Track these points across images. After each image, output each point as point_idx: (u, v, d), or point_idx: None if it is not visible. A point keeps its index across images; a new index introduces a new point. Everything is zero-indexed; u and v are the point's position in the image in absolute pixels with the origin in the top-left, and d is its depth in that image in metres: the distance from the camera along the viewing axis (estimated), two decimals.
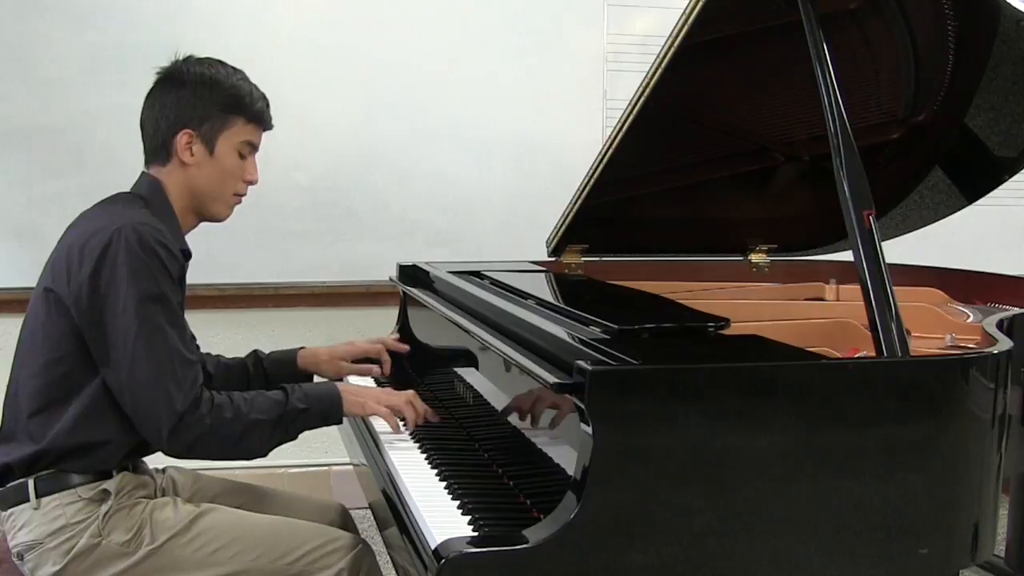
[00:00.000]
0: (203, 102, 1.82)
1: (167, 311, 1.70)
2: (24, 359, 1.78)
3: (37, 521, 1.71)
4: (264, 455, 1.77)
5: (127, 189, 1.87)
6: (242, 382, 2.15)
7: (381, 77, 3.60)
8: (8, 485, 1.74)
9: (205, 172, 1.84)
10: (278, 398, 1.77)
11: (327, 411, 1.82)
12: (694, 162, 2.55)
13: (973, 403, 1.54)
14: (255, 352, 2.22)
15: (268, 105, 1.90)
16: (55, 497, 1.71)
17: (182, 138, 1.82)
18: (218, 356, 2.20)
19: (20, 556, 1.72)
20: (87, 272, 1.68)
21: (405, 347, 2.29)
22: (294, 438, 1.79)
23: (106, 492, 1.73)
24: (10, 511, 1.74)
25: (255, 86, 1.89)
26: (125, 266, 1.67)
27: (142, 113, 1.86)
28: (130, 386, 1.67)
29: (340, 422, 1.90)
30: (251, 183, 1.91)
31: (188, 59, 1.87)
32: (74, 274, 1.70)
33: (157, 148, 1.85)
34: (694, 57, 2.06)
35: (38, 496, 1.71)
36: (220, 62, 1.88)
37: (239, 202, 1.92)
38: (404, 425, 1.91)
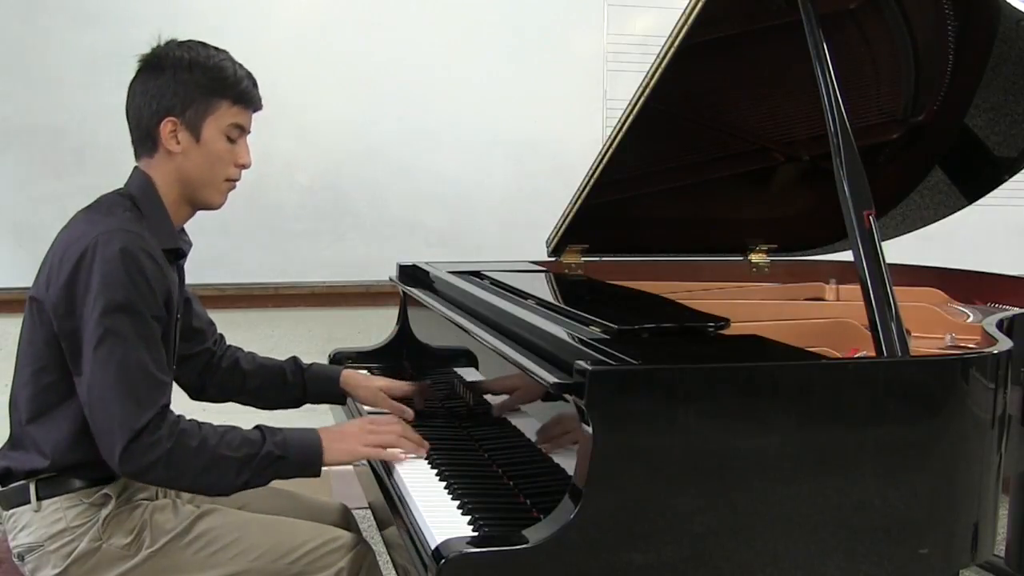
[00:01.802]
0: (184, 86, 1.74)
1: (137, 323, 1.62)
2: (19, 366, 1.76)
3: (37, 523, 1.70)
4: (228, 494, 1.70)
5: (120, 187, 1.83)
6: (277, 386, 2.10)
7: (381, 77, 3.60)
8: (10, 486, 1.73)
9: (193, 160, 1.76)
10: (253, 438, 1.68)
11: (305, 462, 1.71)
12: (694, 162, 2.55)
13: (973, 403, 1.54)
14: (295, 359, 2.13)
15: (255, 84, 1.82)
16: (56, 500, 1.70)
17: (166, 126, 1.74)
18: (252, 353, 2.14)
19: (21, 557, 1.72)
20: (64, 281, 1.64)
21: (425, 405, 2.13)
22: (265, 483, 1.71)
23: (107, 496, 1.73)
24: (11, 512, 1.73)
25: (239, 65, 1.80)
26: (99, 275, 1.61)
27: (126, 104, 1.80)
28: (89, 397, 1.61)
29: (318, 474, 1.75)
30: (243, 167, 1.82)
31: (168, 43, 1.79)
32: (53, 282, 1.66)
33: (143, 139, 1.78)
34: (694, 57, 2.06)
35: (39, 499, 1.70)
36: (202, 44, 1.80)
37: (233, 187, 1.84)
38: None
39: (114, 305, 1.61)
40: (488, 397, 1.92)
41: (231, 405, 2.14)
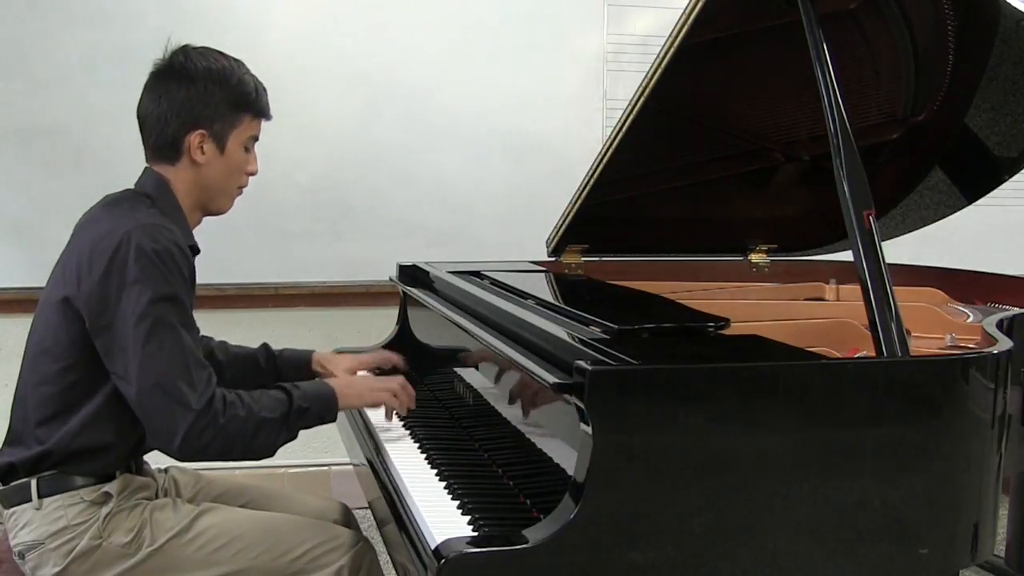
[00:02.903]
0: (214, 100, 1.79)
1: (180, 312, 1.67)
2: (34, 365, 1.76)
3: (38, 521, 1.71)
4: (272, 454, 1.74)
5: (129, 187, 1.85)
6: (251, 374, 2.15)
7: (381, 77, 3.60)
8: (11, 484, 1.74)
9: (215, 169, 1.82)
10: (281, 397, 1.75)
11: (324, 410, 1.81)
12: (694, 162, 2.55)
13: (973, 403, 1.54)
14: (265, 346, 2.20)
15: (267, 94, 1.88)
16: (57, 498, 1.71)
17: (195, 138, 1.78)
18: (223, 342, 2.19)
19: (21, 555, 1.72)
20: (97, 277, 1.65)
21: (404, 368, 2.25)
22: (295, 437, 1.77)
23: (107, 494, 1.73)
24: (12, 510, 1.74)
25: (255, 77, 1.86)
26: (136, 270, 1.64)
27: (143, 106, 1.81)
28: (145, 387, 1.63)
29: (335, 420, 1.89)
30: (252, 175, 1.89)
31: (186, 50, 1.82)
32: (84, 280, 1.68)
33: (165, 146, 1.80)
34: (694, 57, 2.06)
35: (40, 496, 1.71)
36: (220, 53, 1.84)
37: (240, 194, 1.91)
38: (398, 417, 2.01)
39: (159, 296, 1.64)
40: (488, 397, 1.92)
41: None
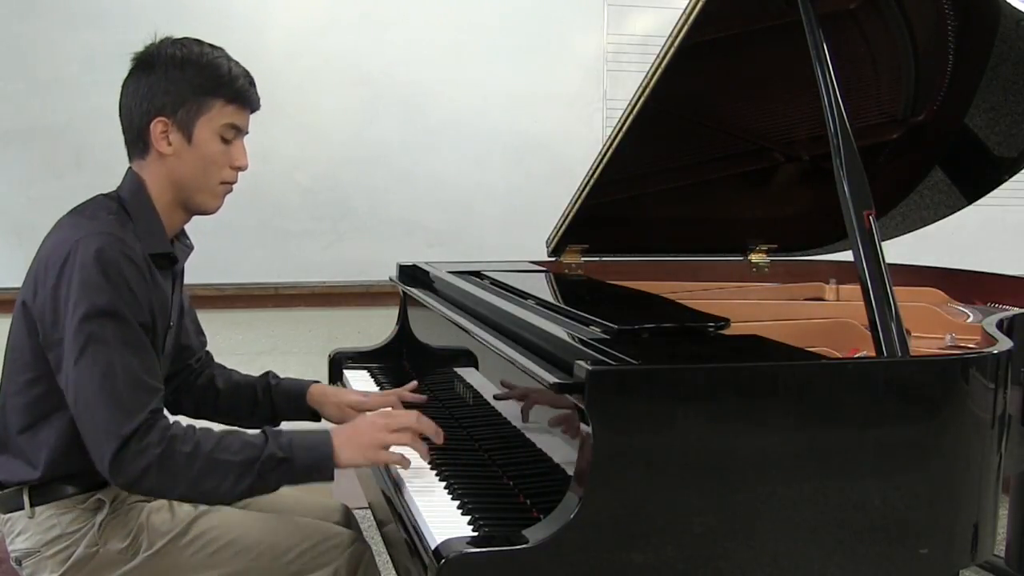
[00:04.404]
0: (175, 85, 1.66)
1: (120, 328, 1.56)
2: (9, 373, 1.71)
3: (33, 530, 1.68)
4: (230, 502, 1.64)
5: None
6: (249, 406, 2.02)
7: (381, 77, 3.61)
8: (4, 491, 1.70)
9: (186, 162, 1.69)
10: (255, 441, 1.59)
11: (314, 465, 1.60)
12: (694, 162, 2.55)
13: (973, 403, 1.54)
14: (267, 376, 2.04)
15: (252, 83, 1.74)
16: (49, 506, 1.68)
17: (156, 127, 1.67)
18: (232, 370, 2.07)
19: (18, 562, 1.71)
20: (49, 287, 1.60)
21: (422, 397, 2.01)
22: (272, 489, 1.61)
23: (100, 501, 1.70)
24: (7, 516, 1.71)
25: (235, 63, 1.72)
26: (79, 280, 1.55)
27: (119, 103, 1.73)
28: (76, 406, 1.56)
29: (331, 478, 1.64)
30: (239, 169, 1.74)
31: (162, 41, 1.71)
32: (40, 291, 1.62)
33: (135, 140, 1.71)
34: (694, 57, 2.06)
35: (32, 505, 1.67)
36: (196, 41, 1.72)
37: (229, 191, 1.76)
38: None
39: (95, 310, 1.55)
40: (488, 397, 1.91)
41: None
